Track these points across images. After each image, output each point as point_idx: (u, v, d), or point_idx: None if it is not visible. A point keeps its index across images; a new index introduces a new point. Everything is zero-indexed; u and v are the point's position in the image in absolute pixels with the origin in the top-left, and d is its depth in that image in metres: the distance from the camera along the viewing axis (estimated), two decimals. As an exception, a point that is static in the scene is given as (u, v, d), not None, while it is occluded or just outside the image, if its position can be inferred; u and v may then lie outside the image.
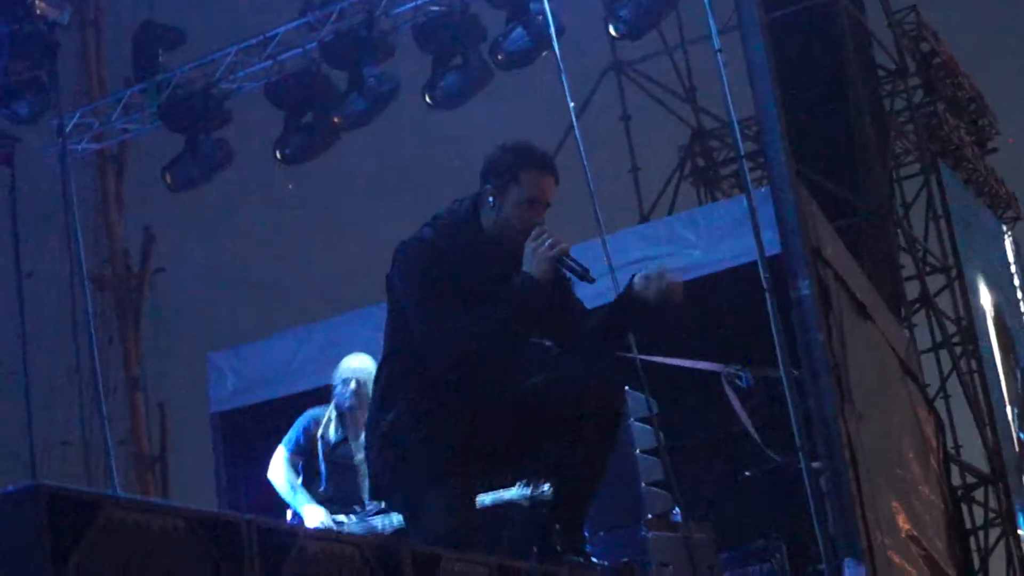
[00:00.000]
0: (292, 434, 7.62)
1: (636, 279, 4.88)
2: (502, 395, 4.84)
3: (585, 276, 4.76)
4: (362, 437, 6.18)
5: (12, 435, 11.14)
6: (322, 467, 7.48)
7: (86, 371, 12.11)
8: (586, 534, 5.38)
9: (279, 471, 7.52)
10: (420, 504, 4.76)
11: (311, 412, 7.68)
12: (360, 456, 6.96)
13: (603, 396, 4.91)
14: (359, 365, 7.47)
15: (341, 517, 7.31)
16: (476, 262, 4.82)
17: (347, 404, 7.45)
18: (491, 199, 4.88)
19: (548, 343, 5.16)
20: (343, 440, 7.50)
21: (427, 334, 4.74)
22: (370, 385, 6.07)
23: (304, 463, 7.55)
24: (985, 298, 16.81)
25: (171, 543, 2.68)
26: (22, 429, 10.69)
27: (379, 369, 5.00)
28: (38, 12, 10.65)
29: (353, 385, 7.41)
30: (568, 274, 4.83)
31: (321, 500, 7.41)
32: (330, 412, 7.57)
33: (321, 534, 3.10)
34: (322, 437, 7.51)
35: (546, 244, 4.74)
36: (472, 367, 4.75)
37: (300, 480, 7.48)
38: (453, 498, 4.73)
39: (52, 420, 11.84)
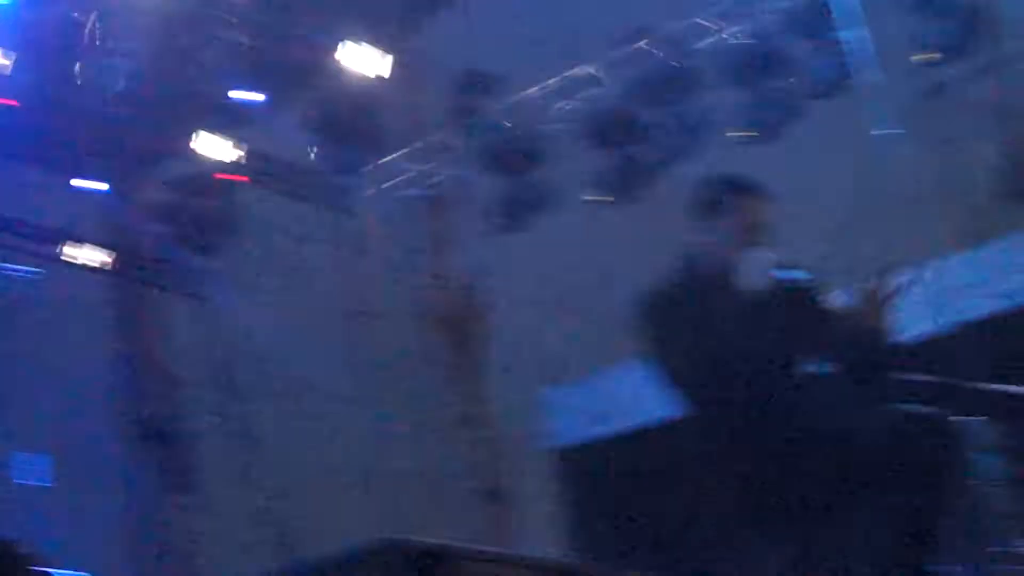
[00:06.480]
0: None
1: None
2: (799, 442, 4.65)
3: (798, 294, 4.75)
4: None
5: (357, 470, 11.66)
6: None
7: (425, 408, 12.56)
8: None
9: None
10: None
11: None
12: None
13: (917, 434, 4.70)
14: None
15: None
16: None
17: None
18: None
19: (842, 375, 4.95)
20: None
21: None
22: None
23: None
24: None
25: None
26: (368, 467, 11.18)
27: None
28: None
29: None
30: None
31: None
32: None
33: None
34: None
35: (756, 262, 4.72)
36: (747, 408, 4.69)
37: None
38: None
39: (394, 456, 12.32)
